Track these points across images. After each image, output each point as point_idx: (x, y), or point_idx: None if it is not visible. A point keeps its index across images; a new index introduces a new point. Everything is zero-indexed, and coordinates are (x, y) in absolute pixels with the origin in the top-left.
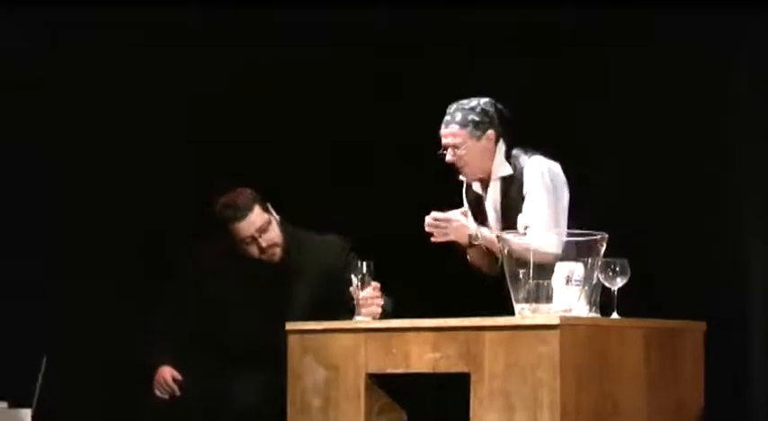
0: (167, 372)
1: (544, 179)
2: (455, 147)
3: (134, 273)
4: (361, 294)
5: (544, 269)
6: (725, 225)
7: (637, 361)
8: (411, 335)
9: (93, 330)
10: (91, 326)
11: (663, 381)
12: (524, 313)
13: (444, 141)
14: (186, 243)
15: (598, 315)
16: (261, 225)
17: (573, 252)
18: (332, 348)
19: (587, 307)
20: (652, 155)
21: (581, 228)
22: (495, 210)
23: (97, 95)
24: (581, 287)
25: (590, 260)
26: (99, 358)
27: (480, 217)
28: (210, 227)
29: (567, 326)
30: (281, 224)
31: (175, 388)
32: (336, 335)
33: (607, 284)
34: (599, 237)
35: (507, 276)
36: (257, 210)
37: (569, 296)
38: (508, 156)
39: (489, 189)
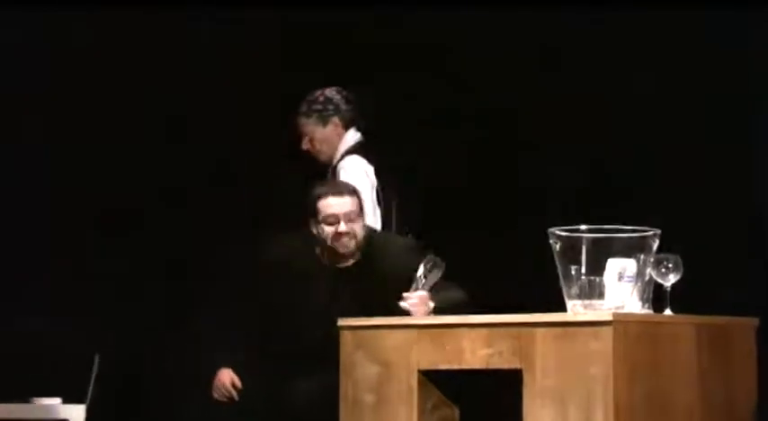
0: (227, 376)
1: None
2: (306, 135)
3: (192, 273)
4: (415, 294)
5: (596, 265)
6: None
7: (689, 357)
8: (464, 331)
9: (147, 328)
10: (146, 324)
11: (715, 377)
12: (576, 309)
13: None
14: (249, 245)
15: (650, 311)
16: (352, 210)
17: (625, 248)
18: (384, 344)
19: (640, 303)
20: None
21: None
22: None
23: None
24: (633, 283)
25: (642, 256)
26: (154, 357)
27: None
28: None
29: (620, 323)
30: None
31: (234, 393)
32: (389, 332)
33: (660, 281)
34: (651, 233)
35: (560, 273)
36: (355, 198)
37: (622, 292)
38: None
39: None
